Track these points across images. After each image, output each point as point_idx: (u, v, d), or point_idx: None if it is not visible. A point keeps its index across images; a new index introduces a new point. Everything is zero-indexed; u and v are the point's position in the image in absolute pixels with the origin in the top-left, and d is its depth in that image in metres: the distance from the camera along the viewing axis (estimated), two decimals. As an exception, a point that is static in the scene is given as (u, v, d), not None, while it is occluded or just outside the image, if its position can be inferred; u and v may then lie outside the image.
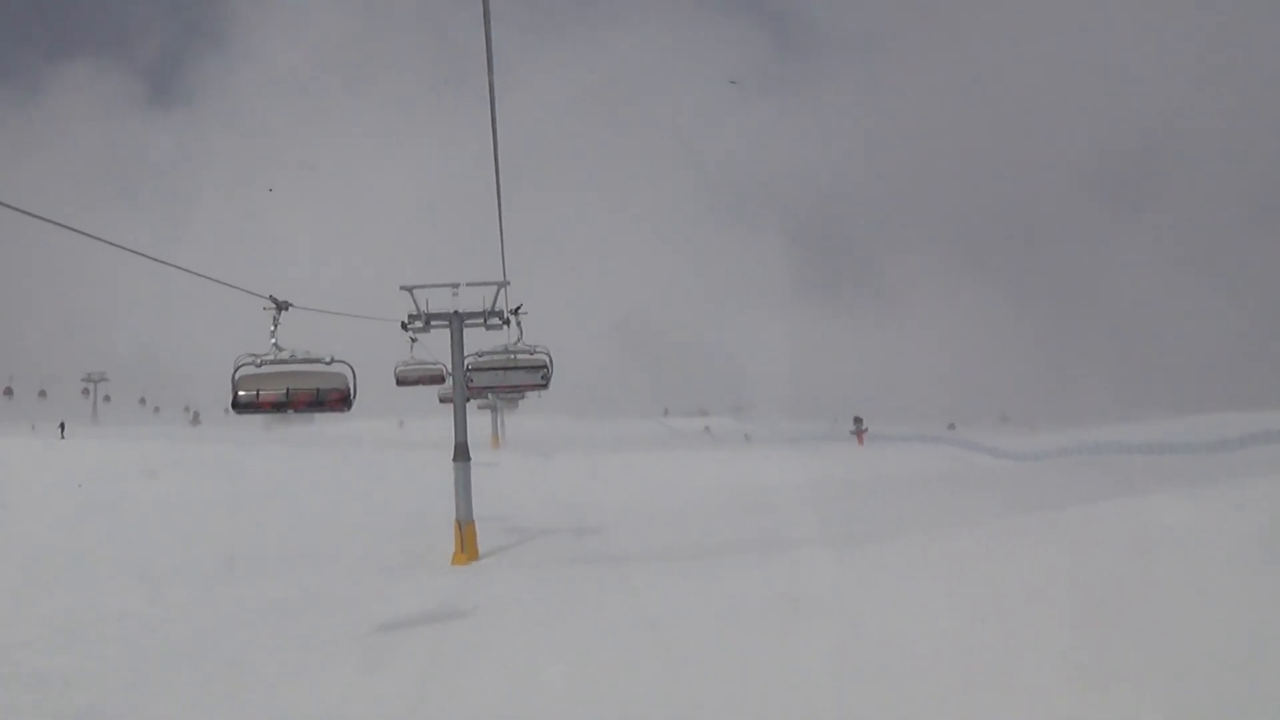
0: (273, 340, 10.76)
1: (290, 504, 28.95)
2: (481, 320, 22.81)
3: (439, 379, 23.49)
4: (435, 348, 25.14)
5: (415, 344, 23.07)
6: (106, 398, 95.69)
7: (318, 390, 10.42)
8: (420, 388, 24.17)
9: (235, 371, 10.58)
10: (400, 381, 23.42)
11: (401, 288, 22.70)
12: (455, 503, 22.19)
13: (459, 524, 21.92)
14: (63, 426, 53.86)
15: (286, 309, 11.09)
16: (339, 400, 10.47)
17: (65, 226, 8.66)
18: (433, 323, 22.97)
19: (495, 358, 18.20)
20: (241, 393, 10.54)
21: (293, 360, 10.59)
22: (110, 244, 9.30)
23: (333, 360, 10.57)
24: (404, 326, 22.85)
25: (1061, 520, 15.17)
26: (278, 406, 10.51)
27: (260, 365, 10.58)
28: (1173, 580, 10.78)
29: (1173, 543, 12.23)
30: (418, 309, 22.78)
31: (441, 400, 30.99)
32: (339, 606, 14.07)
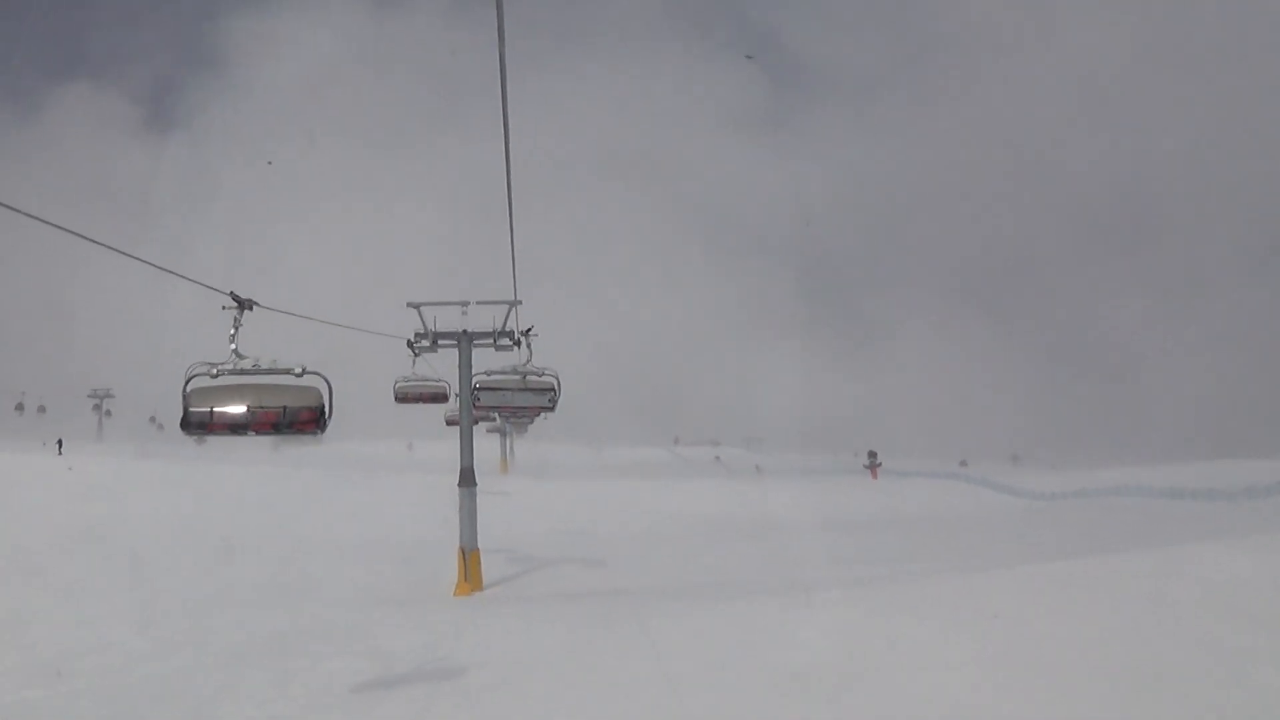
0: (232, 346, 9.04)
1: (292, 528, 28.05)
2: (491, 340, 22.00)
3: (442, 397, 22.08)
4: (442, 369, 24.36)
5: (417, 360, 22.00)
6: (108, 412, 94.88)
7: (284, 408, 8.61)
8: (425, 408, 23.15)
9: (186, 383, 8.76)
10: (400, 398, 22.06)
11: (409, 304, 21.92)
12: (460, 530, 21.31)
13: (463, 552, 21.01)
14: (60, 443, 52.94)
15: (250, 309, 9.35)
16: (309, 420, 8.62)
17: (55, 225, 7.84)
18: (440, 342, 22.14)
19: (504, 378, 17.95)
20: (193, 409, 8.71)
21: (256, 370, 8.80)
22: (84, 238, 8.39)
23: (304, 371, 8.81)
24: (410, 345, 22.02)
25: (1101, 569, 14.21)
26: (235, 427, 8.67)
27: (216, 375, 8.83)
28: (1245, 647, 9.79)
29: (1236, 601, 11.26)
30: (425, 327, 21.96)
31: (448, 422, 30.04)
32: (330, 643, 13.15)
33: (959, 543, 26.74)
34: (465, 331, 22.10)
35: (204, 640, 14.49)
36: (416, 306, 21.97)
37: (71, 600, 18.62)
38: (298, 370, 8.83)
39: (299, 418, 8.63)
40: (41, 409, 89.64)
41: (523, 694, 9.75)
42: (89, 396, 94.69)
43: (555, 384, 17.87)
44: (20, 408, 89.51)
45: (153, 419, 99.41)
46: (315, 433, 8.83)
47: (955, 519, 35.56)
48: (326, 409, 8.84)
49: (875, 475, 58.51)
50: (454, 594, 20.13)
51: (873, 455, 60.65)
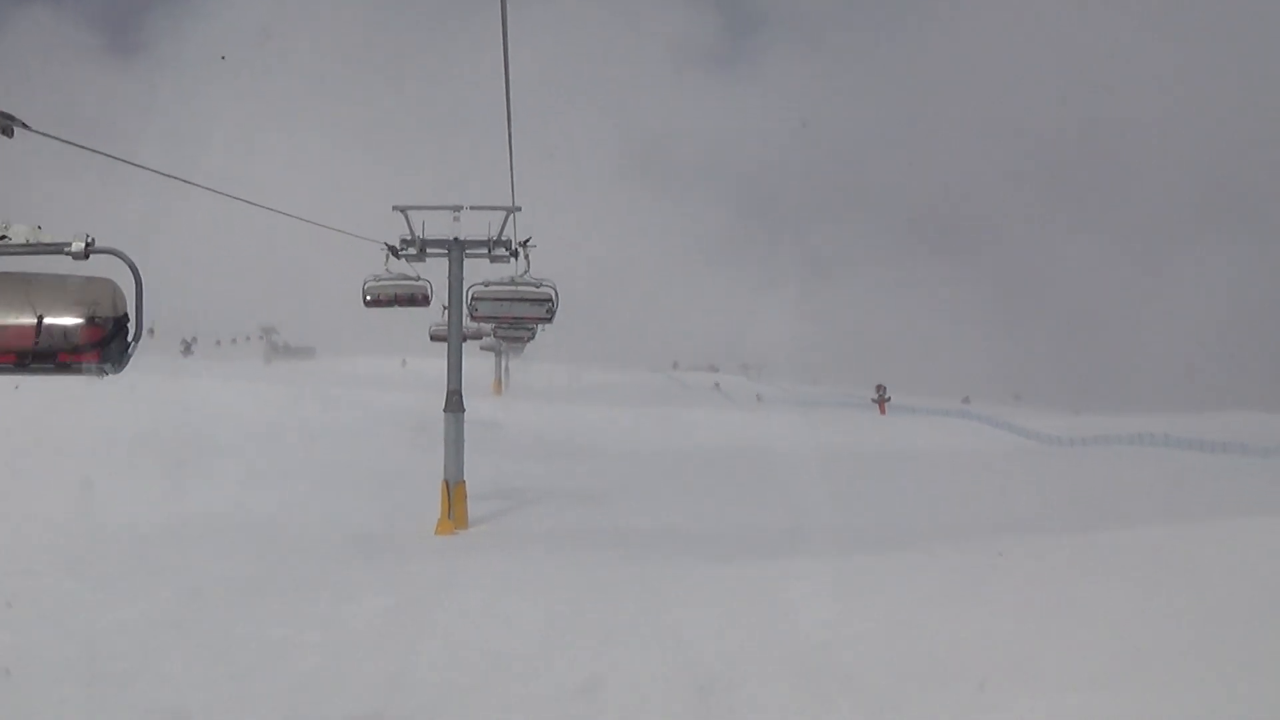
0: None
1: (262, 450, 25.76)
2: (485, 250, 19.74)
3: (422, 299, 19.13)
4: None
5: (391, 257, 19.44)
6: None
7: (39, 323, 3.81)
8: (410, 320, 21.00)
9: None
10: (371, 300, 19.29)
11: (394, 208, 19.55)
12: (444, 460, 19.16)
13: (447, 485, 18.87)
14: None
15: (7, 134, 4.43)
16: (91, 343, 3.90)
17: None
18: (429, 250, 19.83)
19: (500, 288, 17.20)
20: None
21: (4, 248, 4.01)
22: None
23: (91, 248, 4.05)
24: (394, 252, 19.68)
25: (1188, 539, 12.04)
26: None
27: None
28: None
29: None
30: (411, 232, 19.58)
31: (433, 338, 27.77)
32: (281, 601, 10.95)
33: (993, 492, 24.65)
34: (457, 239, 19.79)
35: (142, 589, 12.35)
36: (403, 210, 19.60)
37: (5, 526, 16.52)
38: (77, 246, 4.14)
39: (75, 341, 3.88)
40: None
41: (504, 705, 7.51)
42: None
43: (553, 295, 17.04)
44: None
45: (150, 331, 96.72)
46: (104, 370, 4.06)
47: (978, 462, 33.31)
48: (131, 323, 4.10)
49: (884, 410, 56.26)
50: (435, 532, 18.04)
51: (881, 389, 58.20)
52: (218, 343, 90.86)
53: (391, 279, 18.96)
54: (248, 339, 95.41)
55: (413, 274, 19.20)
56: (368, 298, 18.95)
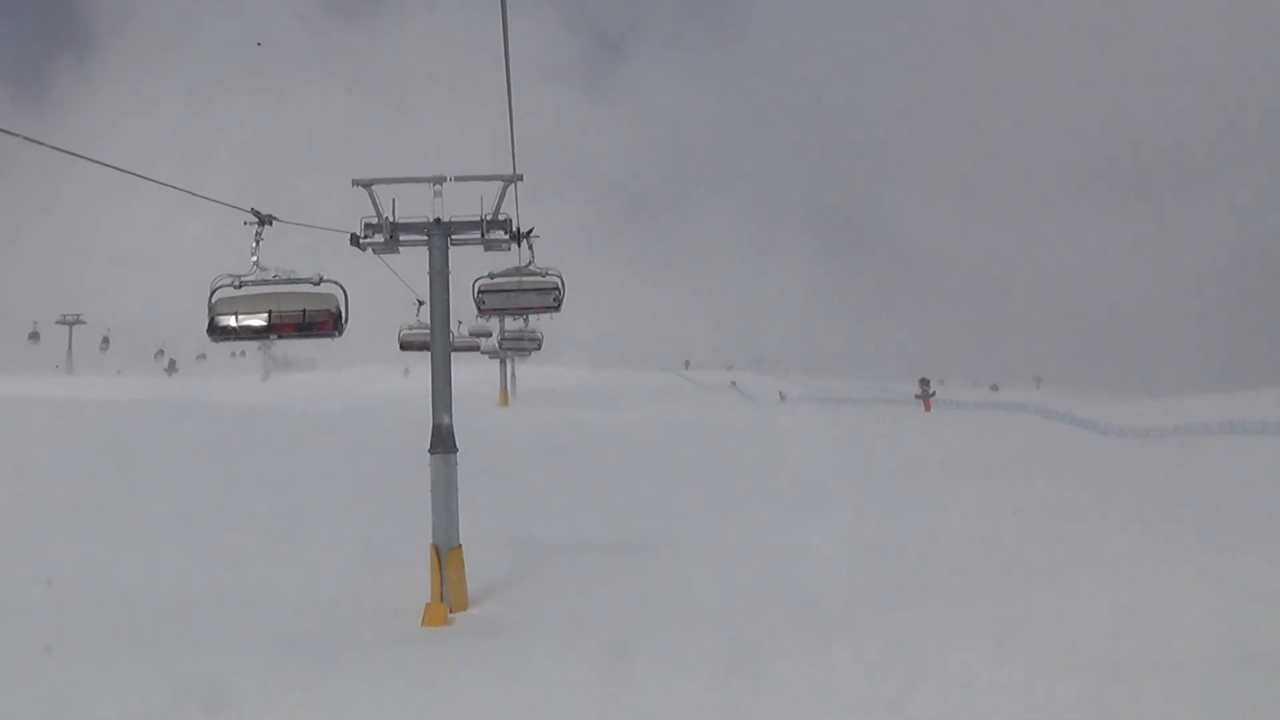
0: None
1: (213, 502, 20.90)
2: (478, 232, 14.93)
3: (325, 322, 12.21)
4: (413, 281, 17.59)
5: (259, 248, 12.42)
6: (105, 340, 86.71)
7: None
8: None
9: None
10: (220, 327, 12.23)
11: (355, 182, 14.52)
12: (432, 518, 14.27)
13: (437, 552, 13.99)
14: None
15: None
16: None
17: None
18: (402, 236, 14.90)
19: (506, 279, 15.64)
20: None
21: None
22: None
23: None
24: (355, 241, 14.84)
25: None
26: None
27: None
28: None
29: None
30: (378, 212, 14.65)
31: (403, 346, 22.12)
32: None
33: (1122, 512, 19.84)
34: (439, 220, 14.80)
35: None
36: (366, 185, 14.52)
37: None
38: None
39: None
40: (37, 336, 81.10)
41: None
42: (58, 323, 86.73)
43: (559, 283, 15.61)
44: (36, 336, 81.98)
45: (160, 352, 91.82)
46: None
47: (1064, 465, 28.48)
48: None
49: (929, 407, 51.14)
50: (422, 623, 13.16)
51: (924, 383, 52.87)
52: (202, 356, 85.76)
53: (265, 284, 12.36)
54: (243, 354, 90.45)
55: (310, 273, 12.45)
56: (216, 319, 12.36)
